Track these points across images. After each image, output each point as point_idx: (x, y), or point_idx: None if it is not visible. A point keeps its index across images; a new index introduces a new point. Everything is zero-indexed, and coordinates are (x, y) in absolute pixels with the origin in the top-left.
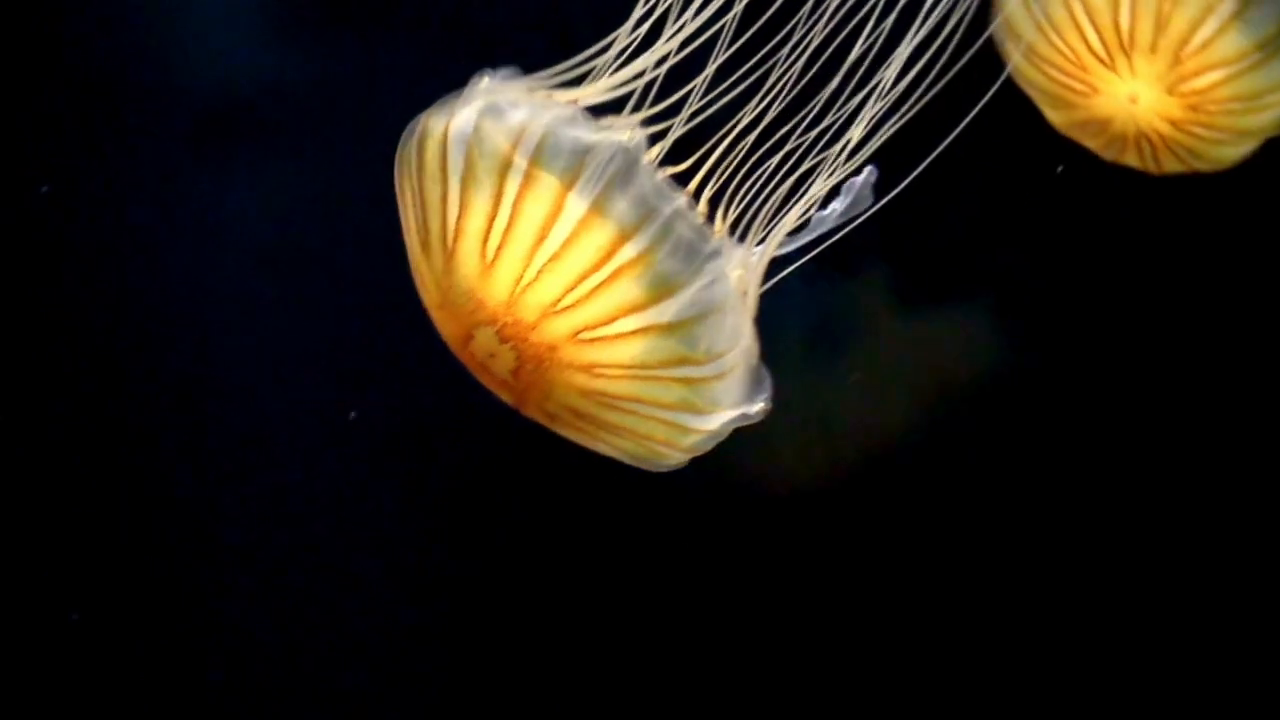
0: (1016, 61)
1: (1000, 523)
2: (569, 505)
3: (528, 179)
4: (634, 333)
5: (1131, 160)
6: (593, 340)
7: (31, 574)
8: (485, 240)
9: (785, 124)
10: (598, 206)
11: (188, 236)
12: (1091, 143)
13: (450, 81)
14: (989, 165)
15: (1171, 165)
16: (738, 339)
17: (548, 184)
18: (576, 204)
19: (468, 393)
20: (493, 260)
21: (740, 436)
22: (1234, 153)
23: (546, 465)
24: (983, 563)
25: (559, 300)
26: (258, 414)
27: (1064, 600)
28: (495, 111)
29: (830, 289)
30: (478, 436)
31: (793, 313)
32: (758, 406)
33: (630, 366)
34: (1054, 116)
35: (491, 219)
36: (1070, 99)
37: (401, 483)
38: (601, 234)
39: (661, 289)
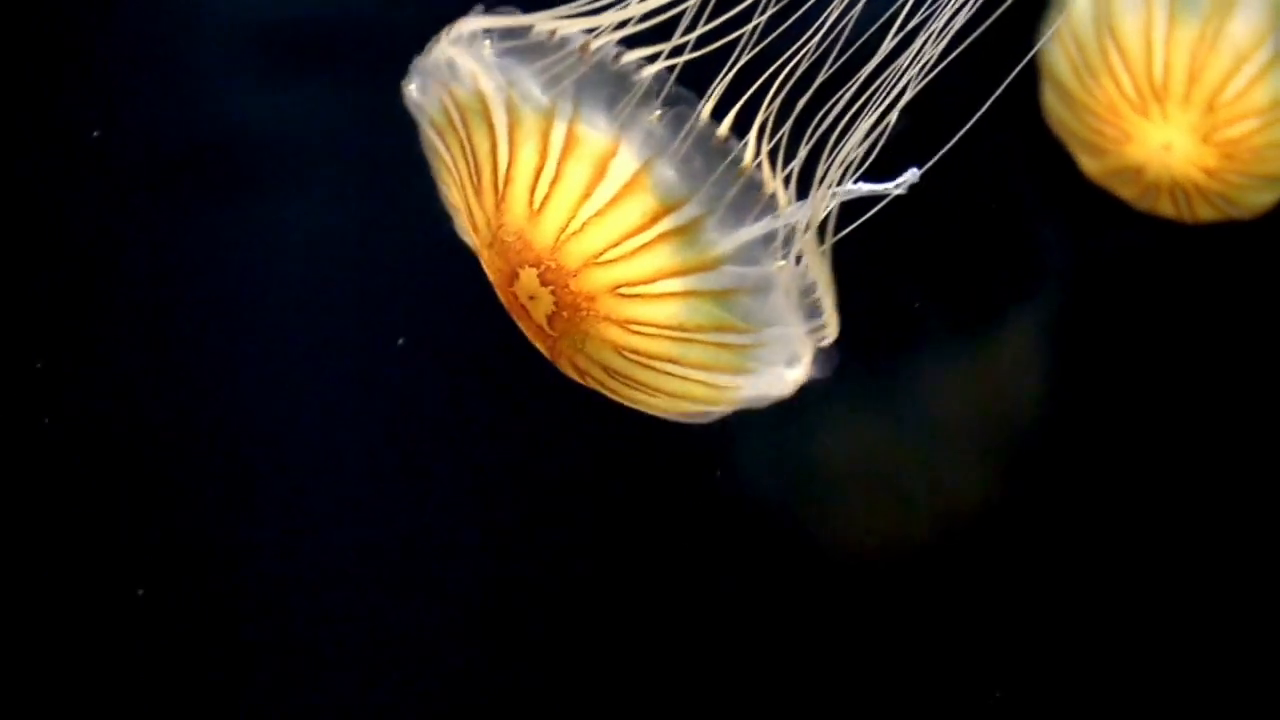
0: (1052, 107)
1: (1058, 573)
2: (622, 560)
3: (570, 138)
4: (675, 294)
5: (1165, 209)
6: (632, 296)
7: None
8: (533, 189)
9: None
10: (642, 173)
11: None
12: (1125, 191)
13: None
14: (1028, 214)
15: (1206, 213)
16: (784, 313)
17: (591, 144)
18: (621, 168)
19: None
20: (539, 208)
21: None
22: (1270, 199)
23: (599, 514)
24: (1044, 618)
25: (602, 253)
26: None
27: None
28: (526, 54)
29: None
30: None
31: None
32: (797, 374)
33: (667, 326)
34: (1089, 164)
35: (539, 171)
36: (1104, 146)
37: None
38: (646, 200)
39: (706, 258)
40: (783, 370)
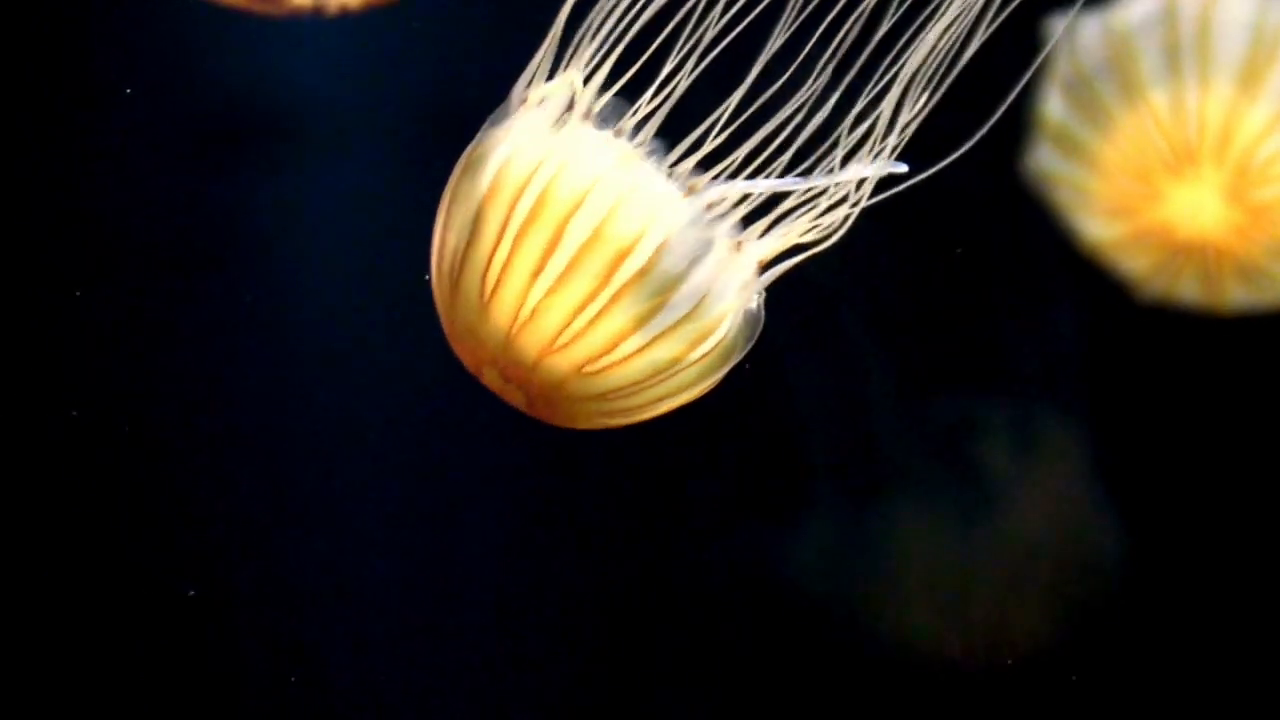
0: (1051, 169)
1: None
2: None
3: (530, 216)
4: (637, 351)
5: (1191, 285)
6: (598, 371)
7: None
8: (485, 275)
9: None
10: (599, 230)
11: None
12: (1148, 258)
13: None
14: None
15: (1235, 290)
16: (733, 295)
17: (549, 217)
18: (576, 231)
19: None
20: (490, 297)
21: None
22: None
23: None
24: None
25: (557, 338)
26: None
27: None
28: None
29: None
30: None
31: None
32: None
33: (641, 380)
34: (1100, 229)
35: (492, 252)
36: (1130, 206)
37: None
38: (600, 256)
39: (659, 296)
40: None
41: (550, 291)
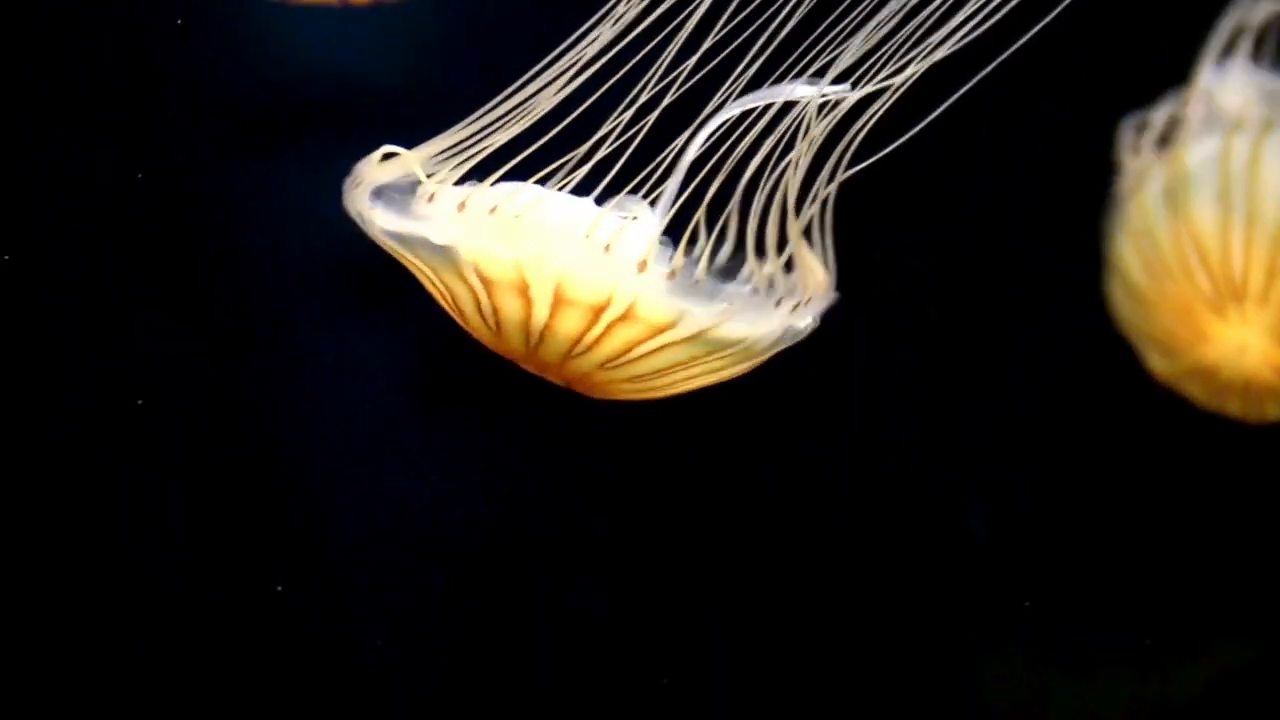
0: (1120, 304)
1: None
2: None
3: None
4: (656, 350)
5: (1233, 408)
6: (619, 365)
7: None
8: (479, 311)
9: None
10: (587, 279)
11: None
12: (1194, 390)
13: None
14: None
15: (1275, 411)
16: (761, 321)
17: (506, 265)
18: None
19: None
20: (496, 329)
21: None
22: None
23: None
24: None
25: (571, 350)
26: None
27: None
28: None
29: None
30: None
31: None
32: (806, 321)
33: (665, 369)
34: (1158, 363)
35: (476, 303)
36: (1178, 346)
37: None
38: (591, 299)
39: (671, 319)
40: (787, 321)
41: (547, 328)
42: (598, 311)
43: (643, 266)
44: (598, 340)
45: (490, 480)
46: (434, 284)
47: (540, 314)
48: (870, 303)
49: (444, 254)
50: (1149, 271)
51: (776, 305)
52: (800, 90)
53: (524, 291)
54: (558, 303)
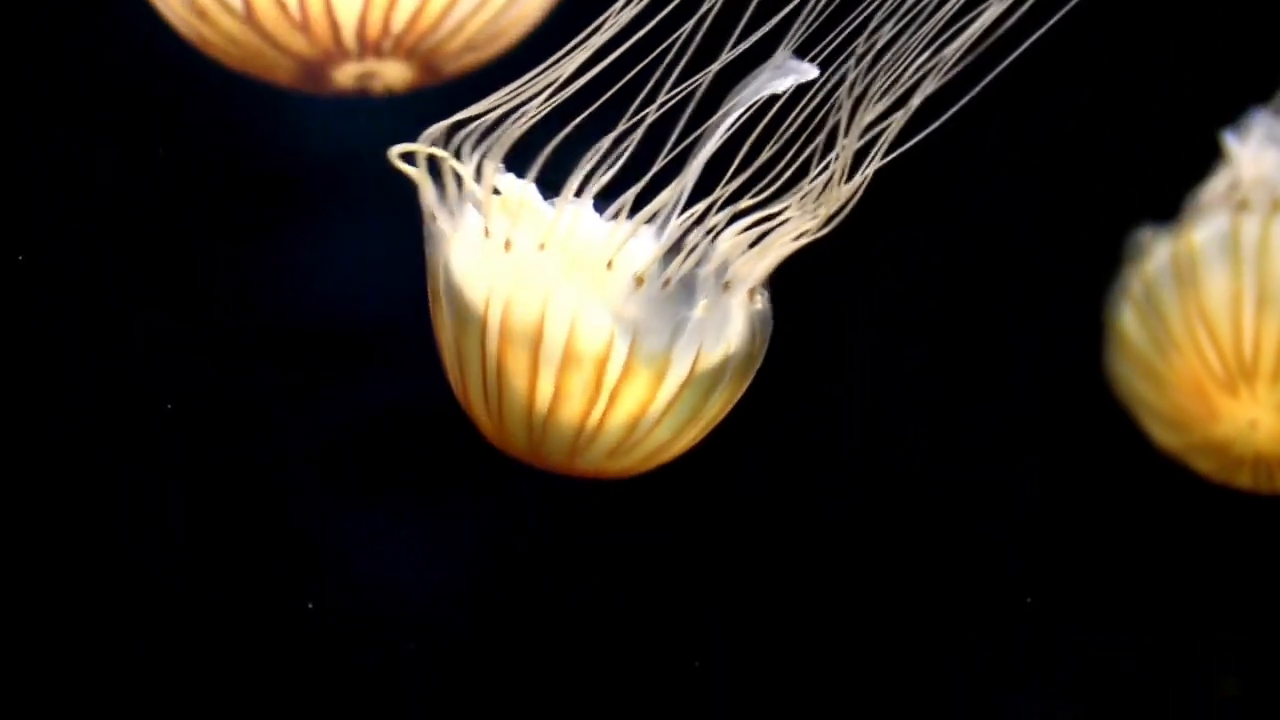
0: (1124, 378)
1: None
2: None
3: (500, 352)
4: (658, 421)
5: (1244, 481)
6: (627, 450)
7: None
8: (487, 404)
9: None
10: (570, 351)
11: None
12: (1204, 465)
13: None
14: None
15: None
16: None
17: (518, 352)
18: (550, 358)
19: None
20: (501, 422)
21: None
22: None
23: None
24: None
25: (576, 443)
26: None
27: None
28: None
29: None
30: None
31: None
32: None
33: (675, 430)
34: (1165, 436)
35: (483, 386)
36: (1186, 423)
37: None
38: (582, 373)
39: (656, 375)
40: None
41: (551, 413)
42: (600, 368)
43: (639, 283)
44: (601, 425)
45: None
46: (451, 352)
47: (545, 387)
48: (871, 302)
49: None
50: (1158, 349)
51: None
52: (782, 78)
53: (535, 349)
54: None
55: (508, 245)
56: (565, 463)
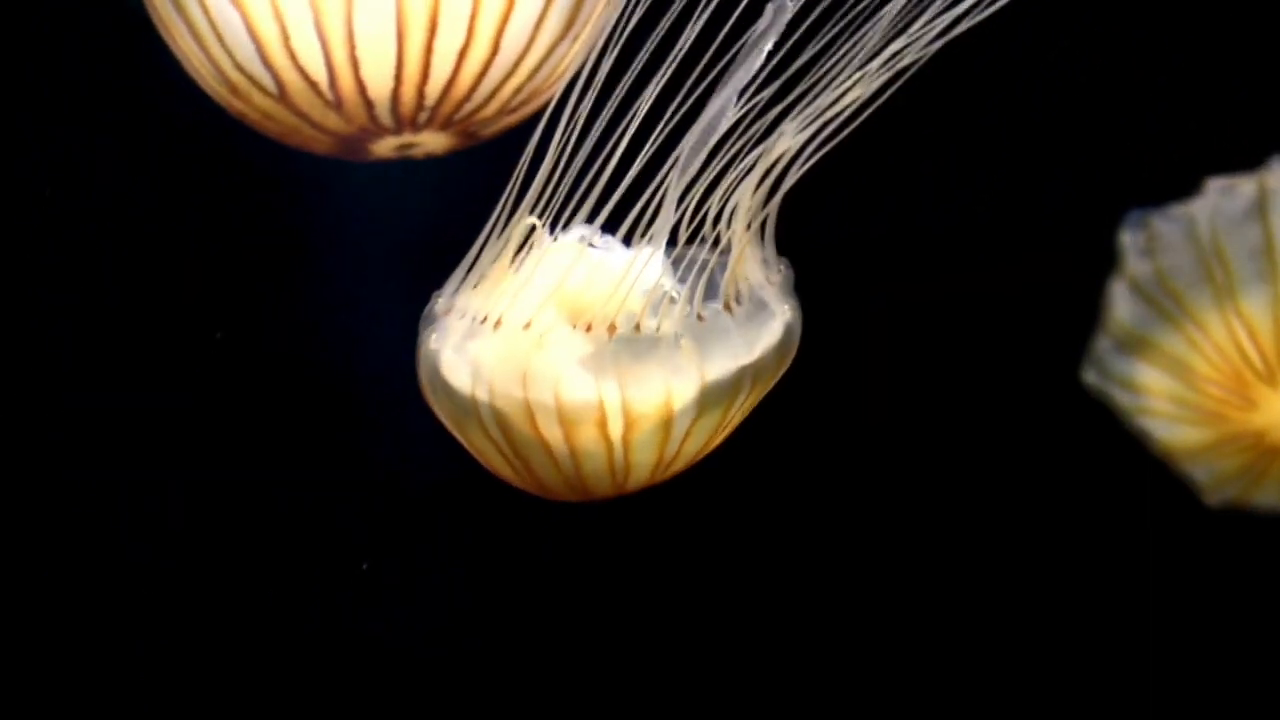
0: (1136, 378)
1: None
2: None
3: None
4: (691, 430)
5: (1269, 484)
6: (671, 462)
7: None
8: (516, 473)
9: None
10: (632, 417)
11: None
12: (1231, 461)
13: None
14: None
15: None
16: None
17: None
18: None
19: None
20: (537, 483)
21: None
22: None
23: None
24: None
25: (614, 478)
26: None
27: None
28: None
29: None
30: None
31: None
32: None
33: (712, 437)
34: (1196, 435)
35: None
36: (1224, 413)
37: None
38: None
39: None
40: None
41: (579, 467)
42: (668, 421)
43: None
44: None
45: None
46: (502, 456)
47: (619, 448)
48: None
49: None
50: (1191, 344)
51: (760, 306)
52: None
53: (601, 425)
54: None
55: (497, 324)
56: (611, 493)
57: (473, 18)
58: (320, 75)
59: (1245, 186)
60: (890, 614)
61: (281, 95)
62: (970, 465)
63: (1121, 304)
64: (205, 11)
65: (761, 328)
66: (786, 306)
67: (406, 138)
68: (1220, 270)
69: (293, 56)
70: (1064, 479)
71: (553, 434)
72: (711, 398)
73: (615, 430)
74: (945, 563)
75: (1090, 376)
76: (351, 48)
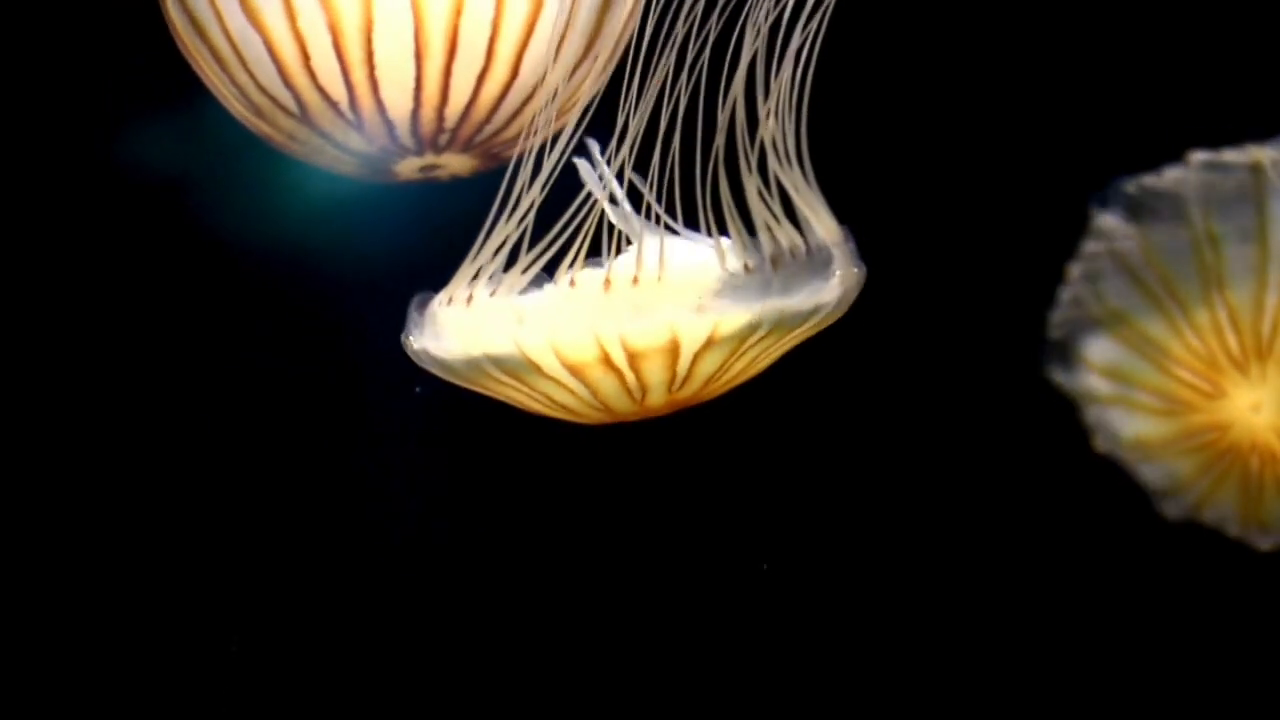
0: (1104, 363)
1: None
2: None
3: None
4: (746, 351)
5: (1230, 492)
6: (722, 380)
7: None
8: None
9: None
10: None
11: None
12: (1190, 460)
13: None
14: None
15: (1272, 499)
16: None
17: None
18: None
19: None
20: (605, 408)
21: None
22: None
23: None
24: None
25: (671, 385)
26: None
27: None
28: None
29: None
30: None
31: None
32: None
33: (757, 358)
34: (1156, 428)
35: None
36: (1192, 401)
37: None
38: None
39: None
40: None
41: (638, 376)
42: (675, 351)
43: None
44: (692, 368)
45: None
46: (525, 394)
47: (630, 378)
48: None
49: (522, 361)
50: (1171, 326)
51: (815, 259)
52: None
53: (608, 362)
54: (638, 357)
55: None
56: (666, 405)
57: (492, 40)
58: (341, 95)
59: (1233, 160)
60: (869, 604)
61: (304, 116)
62: (927, 453)
63: (1104, 279)
64: (227, 36)
65: (809, 282)
66: (843, 271)
67: (429, 158)
68: (1211, 253)
69: (313, 76)
70: (1025, 473)
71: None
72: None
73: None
74: (913, 554)
75: (1053, 358)
76: (371, 68)
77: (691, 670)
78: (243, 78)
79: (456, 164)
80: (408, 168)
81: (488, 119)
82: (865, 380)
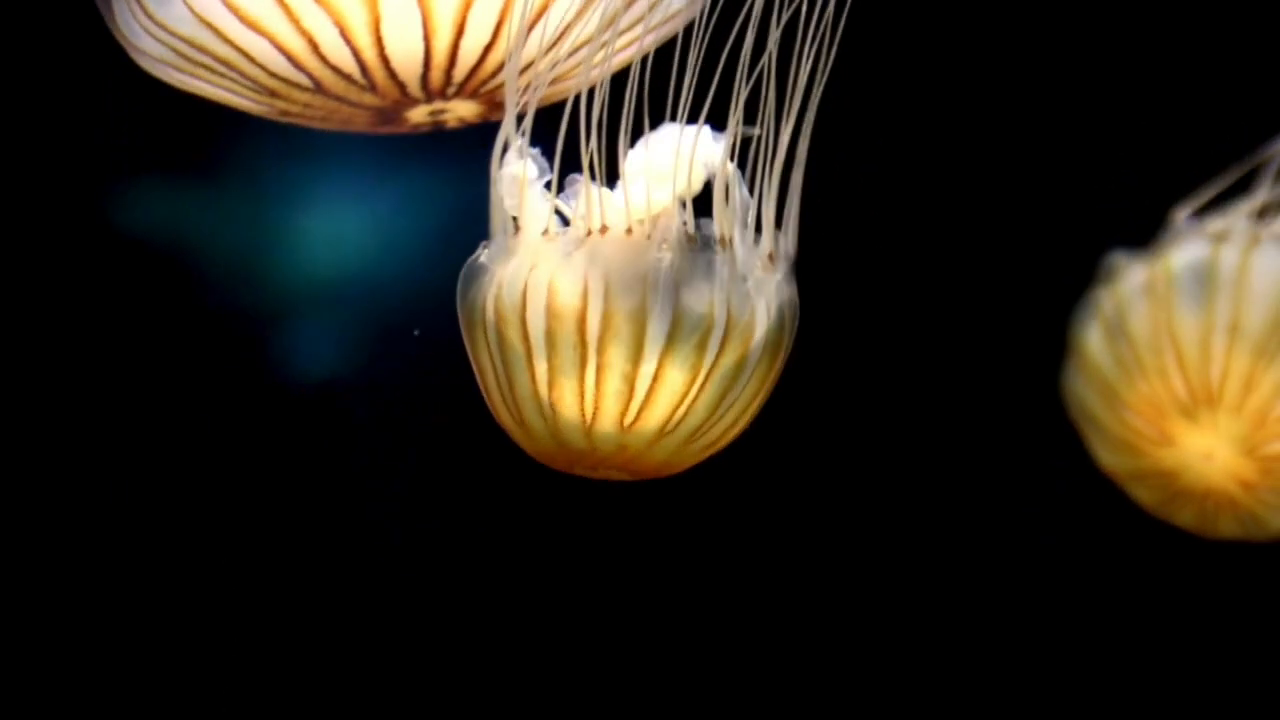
0: (1079, 394)
1: None
2: None
3: (547, 335)
4: (698, 396)
5: (1186, 518)
6: (678, 424)
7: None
8: (539, 404)
9: None
10: (610, 319)
11: None
12: (1148, 495)
13: None
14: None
15: (1228, 529)
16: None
17: (564, 329)
18: (593, 328)
19: None
20: (552, 418)
21: None
22: None
23: None
24: None
25: (623, 419)
26: None
27: None
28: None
29: None
30: None
31: None
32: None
33: (715, 407)
34: (1110, 460)
35: (532, 384)
36: (1140, 446)
37: None
38: (626, 339)
39: (694, 337)
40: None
41: (599, 390)
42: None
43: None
44: (649, 399)
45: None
46: (492, 371)
47: (591, 360)
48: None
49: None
50: (1121, 367)
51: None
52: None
53: (582, 321)
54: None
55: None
56: (613, 449)
57: (499, 25)
58: (353, 69)
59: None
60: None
61: (318, 89)
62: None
63: (1090, 333)
64: (229, 43)
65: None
66: (780, 291)
67: (437, 104)
68: (1165, 310)
69: (324, 60)
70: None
71: (593, 335)
72: (683, 330)
73: (655, 334)
74: (917, 558)
75: (1066, 391)
76: (380, 49)
77: (691, 670)
78: (254, 72)
79: (464, 110)
80: (418, 114)
81: (494, 74)
82: (866, 383)
